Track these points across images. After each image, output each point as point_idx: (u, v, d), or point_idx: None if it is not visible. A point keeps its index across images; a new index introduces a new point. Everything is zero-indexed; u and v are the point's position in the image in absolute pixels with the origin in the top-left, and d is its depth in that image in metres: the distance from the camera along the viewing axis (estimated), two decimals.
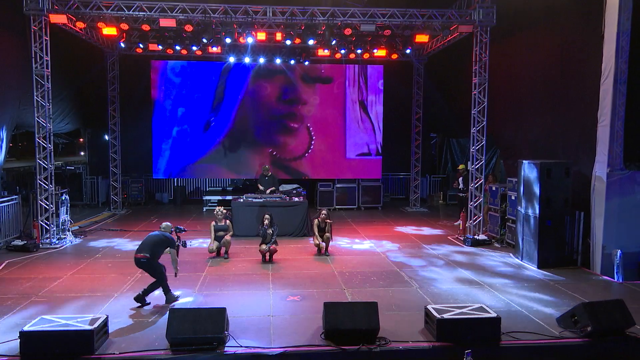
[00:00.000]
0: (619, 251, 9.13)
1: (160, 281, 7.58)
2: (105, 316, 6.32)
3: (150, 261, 7.46)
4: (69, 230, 12.26)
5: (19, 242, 11.13)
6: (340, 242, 12.08)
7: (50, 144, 11.69)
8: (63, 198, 12.26)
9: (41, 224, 11.58)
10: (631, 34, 9.17)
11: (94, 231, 13.34)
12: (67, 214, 12.42)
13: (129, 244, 11.65)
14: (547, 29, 12.15)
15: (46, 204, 11.64)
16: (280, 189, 14.68)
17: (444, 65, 16.74)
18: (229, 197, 16.56)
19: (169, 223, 8.22)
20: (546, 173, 9.79)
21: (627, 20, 9.12)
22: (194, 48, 14.53)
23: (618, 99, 9.27)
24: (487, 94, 12.36)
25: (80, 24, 12.31)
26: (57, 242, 11.60)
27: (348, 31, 12.40)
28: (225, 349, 6.00)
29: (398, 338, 6.34)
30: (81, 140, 22.08)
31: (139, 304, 7.49)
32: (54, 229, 11.74)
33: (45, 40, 11.42)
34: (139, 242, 7.93)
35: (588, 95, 10.02)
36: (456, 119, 17.76)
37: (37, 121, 11.56)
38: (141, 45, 14.66)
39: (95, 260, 10.34)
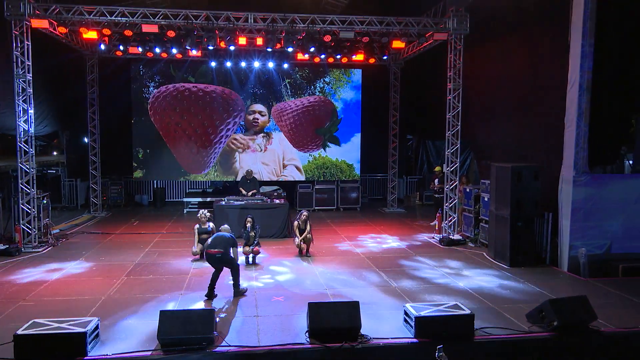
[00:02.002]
0: (584, 250, 9.69)
1: (237, 271, 8.44)
2: (97, 319, 6.53)
3: (224, 256, 8.26)
4: (50, 234, 12.31)
5: (0, 247, 11.16)
6: (321, 243, 12.38)
7: (32, 148, 11.73)
8: (44, 202, 12.31)
9: (23, 228, 11.62)
10: (595, 45, 9.72)
11: (75, 234, 13.40)
12: (48, 217, 12.48)
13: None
14: (518, 38, 12.72)
15: (28, 208, 11.68)
16: (261, 190, 14.95)
17: (420, 70, 17.26)
18: (209, 199, 16.77)
19: (227, 226, 8.97)
20: (517, 176, 10.26)
21: (591, 32, 9.65)
22: (174, 51, 14.65)
23: (583, 106, 9.81)
24: (461, 99, 12.82)
25: (61, 29, 12.35)
26: (39, 245, 11.66)
27: (327, 38, 12.72)
28: (215, 348, 6.27)
29: (379, 335, 6.69)
30: (55, 140, 21.91)
31: (238, 297, 8.31)
32: (36, 232, 11.78)
33: (27, 44, 11.46)
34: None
35: (556, 101, 10.55)
36: (432, 121, 18.29)
37: (19, 125, 11.59)
38: (121, 48, 14.73)
39: (80, 263, 10.45)
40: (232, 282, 8.45)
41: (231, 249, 8.45)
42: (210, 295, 8.23)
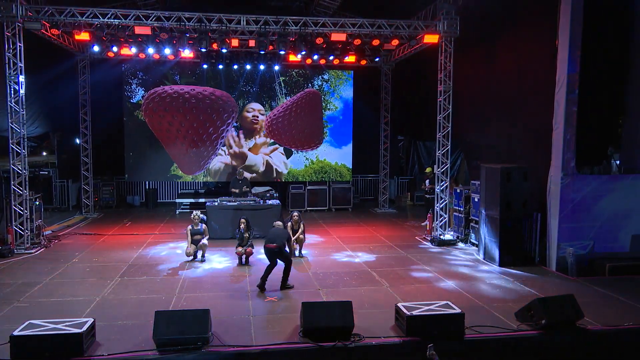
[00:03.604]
0: (572, 249, 9.88)
1: (290, 265, 8.97)
2: (93, 319, 6.58)
3: (281, 250, 8.89)
4: (43, 235, 12.30)
5: None
6: (313, 243, 12.49)
7: (24, 149, 11.73)
8: (37, 203, 12.31)
9: (15, 229, 11.61)
10: (582, 48, 9.90)
11: (67, 235, 13.40)
12: (41, 218, 12.49)
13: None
14: (507, 40, 12.89)
15: (20, 210, 11.67)
16: (253, 191, 15.00)
17: (410, 71, 17.43)
18: (201, 200, 16.81)
19: (280, 222, 9.78)
20: (506, 177, 10.43)
21: (578, 35, 9.84)
22: (167, 52, 14.65)
23: (570, 108, 9.98)
24: (451, 100, 12.97)
25: (54, 31, 12.36)
26: (31, 247, 11.66)
27: (319, 40, 12.83)
28: (210, 348, 6.35)
29: (371, 334, 6.80)
30: (46, 142, 21.83)
31: (286, 289, 8.86)
32: (28, 234, 11.78)
33: (19, 46, 11.46)
34: None
35: (544, 103, 10.71)
36: (422, 122, 18.48)
37: (11, 127, 11.58)
38: (114, 50, 14.73)
39: (73, 265, 10.47)
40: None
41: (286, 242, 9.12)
42: (262, 287, 8.76)
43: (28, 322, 6.40)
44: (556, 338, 6.96)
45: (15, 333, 6.08)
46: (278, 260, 8.92)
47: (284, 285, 8.90)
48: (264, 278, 8.80)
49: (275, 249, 8.87)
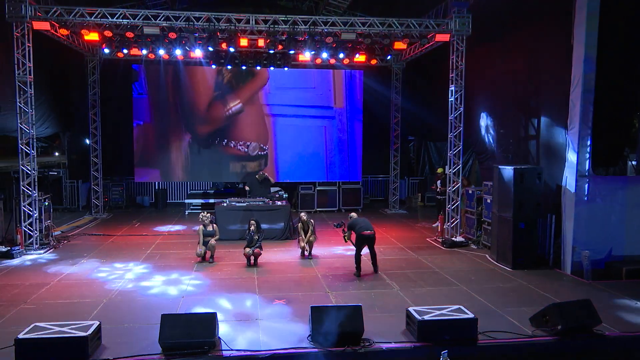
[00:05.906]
0: (587, 252, 9.64)
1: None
2: (98, 322, 6.49)
3: (375, 235, 9.83)
4: (52, 236, 12.29)
5: (2, 249, 11.13)
6: (322, 244, 12.33)
7: (33, 149, 11.71)
8: (46, 204, 12.31)
9: (24, 230, 11.59)
10: (598, 47, 9.67)
11: (76, 236, 13.39)
12: (50, 219, 12.48)
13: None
14: (521, 38, 12.64)
15: (29, 210, 11.66)
16: None
17: (421, 71, 17.22)
18: (211, 200, 16.77)
19: (354, 214, 10.49)
20: (519, 178, 10.21)
21: (594, 34, 9.61)
22: (177, 52, 14.60)
23: (586, 108, 9.75)
24: (463, 100, 12.77)
25: (63, 31, 12.35)
26: (40, 247, 11.63)
27: (329, 39, 12.69)
28: (217, 352, 6.24)
29: (381, 339, 6.65)
30: (56, 142, 21.95)
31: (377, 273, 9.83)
32: (37, 234, 11.75)
33: (28, 46, 11.44)
34: None
35: (559, 103, 10.49)
36: (433, 122, 18.23)
37: (20, 127, 11.57)
38: (124, 51, 14.69)
39: (81, 266, 10.42)
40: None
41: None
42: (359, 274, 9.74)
43: (33, 324, 6.33)
44: (572, 344, 6.77)
45: (20, 336, 6.00)
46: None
47: (376, 268, 9.86)
48: (374, 264, 9.89)
49: (372, 235, 9.69)
